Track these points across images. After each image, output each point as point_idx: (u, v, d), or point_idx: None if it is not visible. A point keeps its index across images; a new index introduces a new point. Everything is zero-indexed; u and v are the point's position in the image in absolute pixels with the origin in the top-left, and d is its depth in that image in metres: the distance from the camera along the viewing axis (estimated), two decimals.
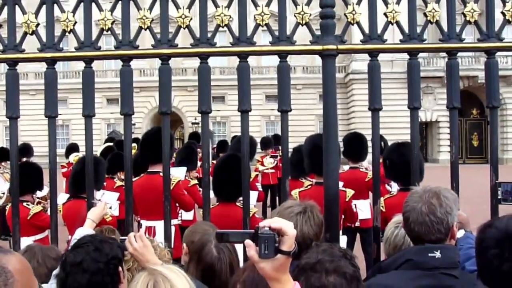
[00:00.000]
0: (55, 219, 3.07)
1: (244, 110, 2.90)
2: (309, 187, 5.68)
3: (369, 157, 7.16)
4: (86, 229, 2.63)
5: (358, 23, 2.88)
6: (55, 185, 3.05)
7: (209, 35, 2.90)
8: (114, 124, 36.78)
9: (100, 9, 2.94)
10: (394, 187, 6.11)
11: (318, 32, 2.89)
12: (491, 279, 1.63)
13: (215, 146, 13.17)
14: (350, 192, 5.21)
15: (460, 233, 2.59)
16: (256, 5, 2.87)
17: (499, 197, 2.80)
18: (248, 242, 1.39)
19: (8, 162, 10.31)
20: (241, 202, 4.90)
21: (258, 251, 1.37)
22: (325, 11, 2.82)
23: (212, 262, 2.33)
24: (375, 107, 2.93)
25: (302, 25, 2.87)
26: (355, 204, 5.81)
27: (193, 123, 35.01)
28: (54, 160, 3.05)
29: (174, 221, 5.97)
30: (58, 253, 2.65)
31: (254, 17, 2.85)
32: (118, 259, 1.94)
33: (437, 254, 2.03)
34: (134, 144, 11.85)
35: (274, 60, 2.92)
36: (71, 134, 36.44)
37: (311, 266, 1.72)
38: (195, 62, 2.98)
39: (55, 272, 2.34)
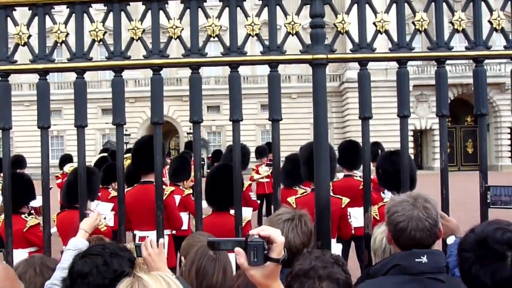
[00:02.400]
0: (48, 229, 3.07)
1: (236, 119, 2.91)
2: (304, 194, 5.70)
3: None
4: (79, 239, 2.62)
5: (347, 33, 2.92)
6: (48, 195, 3.06)
7: (200, 45, 2.93)
8: (109, 134, 36.67)
9: (92, 20, 2.95)
10: (388, 195, 6.12)
11: (308, 42, 2.92)
12: (465, 281, 1.67)
13: (209, 155, 13.17)
14: (345, 200, 5.22)
15: (450, 240, 2.62)
16: (246, 16, 2.90)
17: (488, 201, 2.82)
18: (237, 249, 1.39)
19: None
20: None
21: (248, 258, 1.38)
22: (314, 21, 2.85)
23: (204, 263, 2.32)
24: (365, 116, 2.95)
25: (293, 35, 2.90)
26: (349, 213, 5.81)
27: (188, 133, 34.97)
28: (46, 170, 3.05)
29: (167, 231, 5.96)
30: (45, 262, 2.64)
31: (245, 27, 2.87)
32: (125, 275, 1.92)
33: (424, 259, 2.06)
34: (128, 155, 11.84)
35: (268, 69, 2.94)
36: (65, 145, 36.29)
37: (305, 273, 1.73)
38: (188, 72, 3.00)
39: (48, 282, 2.35)
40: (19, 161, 10.80)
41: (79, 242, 2.59)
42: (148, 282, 1.57)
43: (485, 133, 3.10)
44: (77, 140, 3.00)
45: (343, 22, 2.90)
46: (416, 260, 2.05)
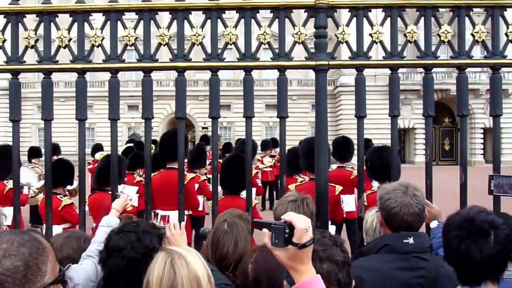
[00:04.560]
0: (83, 209, 3.07)
1: (248, 116, 2.91)
2: (303, 182, 5.72)
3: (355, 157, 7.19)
4: (111, 217, 2.63)
5: (347, 42, 2.90)
6: (84, 179, 3.06)
7: (218, 51, 2.91)
8: (134, 127, 36.75)
9: (125, 27, 2.95)
10: (376, 184, 6.14)
11: (312, 50, 2.91)
12: (452, 258, 1.67)
13: (221, 147, 13.20)
14: (338, 188, 5.25)
15: (433, 224, 2.61)
16: (259, 26, 2.89)
17: (491, 188, 2.74)
18: (264, 230, 1.37)
19: (39, 159, 10.39)
20: (244, 195, 4.97)
21: (270, 240, 1.35)
22: (318, 31, 2.84)
23: (219, 235, 2.33)
24: (360, 115, 2.95)
25: (299, 44, 2.89)
26: (342, 199, 5.83)
27: (203, 128, 35.04)
28: (83, 157, 3.05)
29: (185, 212, 5.99)
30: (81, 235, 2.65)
31: (258, 36, 2.86)
32: (155, 250, 1.92)
33: (411, 240, 2.07)
34: (152, 145, 11.87)
35: (273, 74, 2.93)
36: (96, 136, 36.38)
37: None
38: (206, 74, 3.00)
39: (84, 254, 2.36)
40: (55, 149, 10.85)
41: (111, 220, 2.60)
42: (183, 253, 1.58)
43: (466, 131, 3.09)
44: (110, 131, 2.99)
45: (343, 33, 2.88)
46: (404, 241, 2.06)
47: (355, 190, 7.02)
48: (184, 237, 2.33)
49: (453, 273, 1.68)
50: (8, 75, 3.02)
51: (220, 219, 2.49)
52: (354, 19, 2.89)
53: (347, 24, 2.91)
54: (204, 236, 2.56)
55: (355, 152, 7.09)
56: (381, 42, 2.91)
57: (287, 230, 1.33)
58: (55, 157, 9.69)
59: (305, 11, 2.88)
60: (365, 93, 2.97)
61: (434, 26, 2.90)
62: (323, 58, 2.83)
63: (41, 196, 7.41)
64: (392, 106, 2.94)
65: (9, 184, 6.72)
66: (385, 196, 2.16)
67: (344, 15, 2.97)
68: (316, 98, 2.88)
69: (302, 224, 1.34)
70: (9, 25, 2.99)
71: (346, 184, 6.20)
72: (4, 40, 2.99)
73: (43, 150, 11.00)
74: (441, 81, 33.45)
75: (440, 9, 2.99)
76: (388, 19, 2.91)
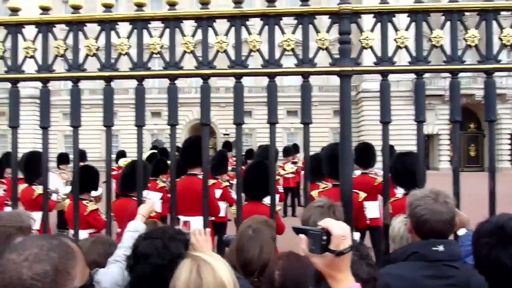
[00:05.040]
0: (109, 214, 3.12)
1: (272, 122, 2.91)
2: (326, 188, 5.68)
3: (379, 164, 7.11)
4: (137, 222, 2.65)
5: (371, 48, 2.88)
6: (110, 185, 3.10)
7: (242, 58, 2.93)
8: (157, 134, 37.20)
9: (151, 35, 3.00)
10: (400, 190, 6.06)
11: (335, 55, 2.90)
12: (483, 266, 1.63)
13: (243, 153, 13.24)
14: (362, 195, 5.20)
15: (461, 232, 2.56)
16: (283, 32, 2.89)
17: None
18: (301, 236, 1.35)
19: (67, 165, 10.59)
20: (266, 201, 4.96)
21: (308, 246, 1.33)
22: (343, 37, 2.83)
23: (244, 241, 2.33)
24: (385, 121, 2.91)
25: (323, 50, 2.89)
26: (365, 206, 5.77)
27: (224, 134, 35.23)
28: (109, 163, 3.10)
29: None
30: (107, 240, 2.68)
31: (281, 43, 2.87)
32: (181, 257, 1.94)
33: (440, 248, 2.02)
34: None
35: (294, 80, 2.93)
36: (120, 143, 36.94)
37: None
38: (227, 81, 3.03)
39: (110, 259, 2.38)
40: (82, 155, 11.06)
41: (137, 225, 2.62)
42: (209, 260, 1.58)
43: (494, 137, 3.02)
44: (137, 138, 3.03)
45: (367, 38, 2.86)
46: (432, 248, 2.01)
47: (379, 196, 6.94)
48: (209, 243, 2.33)
49: (484, 282, 1.64)
50: (35, 83, 3.10)
51: (244, 225, 2.49)
52: (379, 25, 2.87)
53: (372, 30, 2.89)
54: (228, 242, 2.57)
55: (378, 158, 7.05)
56: (406, 47, 2.88)
57: (324, 237, 1.30)
58: (81, 164, 9.92)
59: (329, 18, 2.88)
60: (390, 99, 2.94)
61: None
62: (348, 64, 2.82)
63: (67, 201, 7.56)
64: (418, 111, 2.90)
65: (38, 189, 6.89)
66: (415, 203, 2.12)
67: (366, 20, 2.95)
68: (340, 104, 2.86)
69: (340, 231, 1.31)
70: (40, 35, 3.07)
71: (370, 191, 6.13)
72: (35, 50, 3.07)
73: (71, 157, 11.23)
74: (466, 86, 32.91)
75: (466, 13, 2.94)
76: (413, 24, 2.88)
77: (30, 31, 3.10)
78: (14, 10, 3.06)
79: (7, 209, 7.31)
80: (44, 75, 3.03)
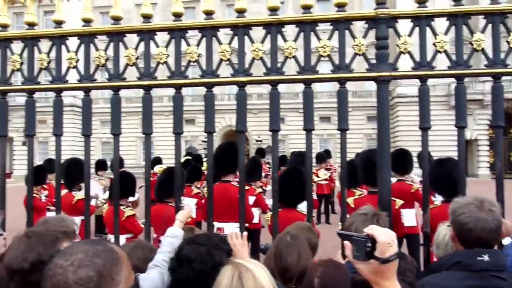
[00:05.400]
0: (148, 220, 3.18)
1: (308, 129, 2.91)
2: (362, 195, 5.61)
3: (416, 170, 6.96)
4: (176, 228, 2.68)
5: (409, 53, 2.84)
6: (149, 191, 3.16)
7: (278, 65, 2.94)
8: (190, 141, 37.65)
9: (188, 44, 3.05)
10: (438, 198, 5.92)
11: (372, 60, 2.87)
12: None
13: None
14: (399, 202, 5.10)
15: (506, 241, 2.47)
16: (319, 39, 2.89)
17: None
18: (345, 243, 1.34)
19: (105, 171, 10.87)
20: (300, 208, 4.93)
21: (352, 252, 1.32)
22: (380, 43, 2.80)
23: (282, 247, 2.32)
24: (425, 126, 2.86)
25: (360, 55, 2.86)
26: (402, 213, 5.66)
27: (257, 141, 35.32)
28: (148, 169, 3.16)
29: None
30: (147, 245, 2.73)
31: (317, 49, 2.86)
32: (223, 265, 1.95)
33: (486, 257, 1.95)
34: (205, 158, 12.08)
35: (327, 86, 2.91)
36: (154, 149, 37.67)
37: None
38: (260, 88, 3.04)
39: (150, 264, 2.43)
40: (120, 162, 11.35)
41: (176, 231, 2.65)
42: (250, 266, 1.59)
43: None
44: (175, 145, 3.08)
45: (405, 43, 2.82)
46: (477, 258, 1.94)
47: (416, 204, 6.79)
48: (246, 247, 2.33)
49: None
50: (75, 93, 3.19)
51: (284, 231, 2.50)
52: (417, 29, 2.82)
53: (409, 34, 2.85)
54: (265, 250, 2.57)
55: (415, 164, 6.90)
56: (445, 51, 2.82)
57: (368, 244, 1.29)
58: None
59: (365, 23, 2.85)
60: (429, 104, 2.88)
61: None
62: (385, 69, 2.78)
63: (106, 207, 7.75)
64: (458, 116, 2.83)
65: (77, 195, 7.10)
66: (458, 210, 2.06)
67: (402, 24, 2.90)
68: (378, 110, 2.83)
69: (385, 238, 1.29)
70: (82, 46, 3.18)
71: (407, 198, 6.01)
72: (78, 60, 3.18)
73: (109, 163, 11.48)
74: (506, 90, 31.81)
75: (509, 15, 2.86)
76: (453, 28, 2.82)
77: (73, 42, 3.22)
78: (59, 23, 3.18)
79: (49, 213, 7.57)
80: (86, 85, 3.14)
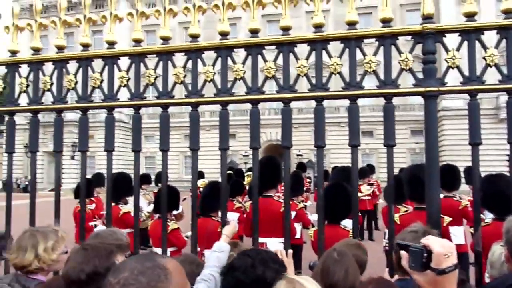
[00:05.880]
0: (194, 234, 3.23)
1: (354, 145, 2.89)
2: (407, 212, 5.49)
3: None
4: (222, 243, 2.72)
5: (458, 67, 2.79)
6: (195, 205, 3.22)
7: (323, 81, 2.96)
8: (231, 155, 38.01)
9: (234, 62, 3.10)
10: (488, 215, 5.70)
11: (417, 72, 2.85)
12: None
13: (316, 175, 13.12)
14: (447, 219, 4.95)
15: None
16: (364, 55, 2.89)
17: None
18: (402, 252, 1.33)
19: (148, 185, 11.13)
20: (344, 224, 4.87)
21: (408, 262, 1.31)
22: (427, 57, 2.76)
23: (329, 263, 2.31)
24: (475, 142, 2.78)
25: (406, 70, 2.84)
26: (450, 231, 5.48)
27: (297, 155, 35.20)
28: (195, 183, 3.23)
29: (282, 239, 6.02)
30: (194, 260, 2.78)
31: (363, 65, 2.86)
32: (266, 283, 1.95)
33: None
34: (250, 173, 12.21)
35: (369, 100, 2.88)
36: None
37: None
38: (300, 104, 3.04)
39: (198, 278, 2.47)
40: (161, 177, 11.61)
41: (222, 245, 2.69)
42: (304, 283, 1.61)
43: None
44: (220, 160, 3.14)
45: (453, 57, 2.78)
46: None
47: (464, 221, 6.55)
48: (291, 266, 2.34)
49: None
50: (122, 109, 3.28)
51: (331, 248, 2.49)
52: (465, 43, 2.78)
53: (458, 49, 2.80)
54: (313, 267, 2.56)
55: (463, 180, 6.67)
56: (496, 65, 2.75)
57: (424, 254, 1.27)
58: (159, 185, 10.44)
59: (411, 38, 2.83)
60: (480, 119, 2.81)
61: None
62: (433, 84, 2.74)
63: (149, 220, 7.94)
64: (511, 131, 2.74)
65: (123, 208, 7.32)
66: None
67: (449, 38, 2.86)
68: (425, 125, 2.78)
69: (441, 249, 1.27)
70: (133, 65, 3.33)
71: (455, 215, 5.82)
72: (128, 79, 3.32)
73: (152, 177, 11.72)
74: None
75: None
76: (504, 41, 2.75)
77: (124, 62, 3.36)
78: (111, 44, 3.34)
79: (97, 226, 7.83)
80: (137, 102, 3.25)
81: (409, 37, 2.89)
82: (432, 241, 1.29)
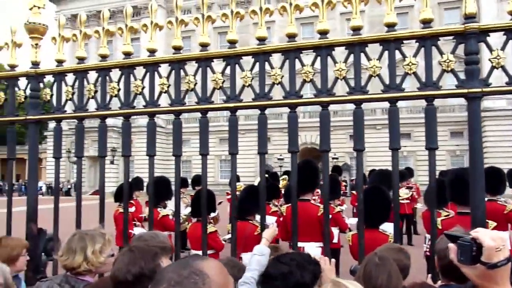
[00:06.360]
0: (234, 236, 3.27)
1: (395, 148, 2.86)
2: (449, 216, 5.36)
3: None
4: (263, 246, 2.75)
5: (503, 67, 2.71)
6: (235, 209, 3.26)
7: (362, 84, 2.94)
8: (267, 158, 38.08)
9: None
10: None
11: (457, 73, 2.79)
12: None
13: (353, 178, 12.98)
14: (492, 224, 4.79)
15: None
16: (404, 56, 2.86)
17: None
18: (450, 245, 1.30)
19: (185, 188, 11.32)
20: (382, 228, 4.80)
21: (456, 256, 1.28)
22: (470, 58, 2.70)
23: (371, 267, 2.30)
24: None
25: (448, 72, 2.79)
26: None
27: (333, 158, 34.86)
28: (234, 187, 3.27)
29: (320, 244, 5.99)
30: (236, 264, 2.82)
31: (403, 67, 2.83)
32: (306, 286, 1.94)
33: None
34: (285, 176, 12.18)
35: (406, 102, 2.81)
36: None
37: None
38: (334, 106, 3.02)
39: (240, 280, 2.50)
40: (199, 179, 11.78)
41: (263, 249, 2.71)
42: (350, 286, 1.62)
43: None
44: (260, 164, 3.18)
45: (498, 57, 2.70)
46: None
47: (509, 226, 6.32)
48: (334, 273, 2.35)
49: None
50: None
51: (372, 252, 2.47)
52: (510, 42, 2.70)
53: (502, 48, 2.73)
54: (354, 272, 2.55)
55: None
56: None
57: (474, 248, 1.23)
58: (196, 188, 10.58)
59: (453, 38, 2.78)
60: None
61: None
62: (476, 86, 2.68)
63: (187, 222, 8.07)
64: None
65: (162, 211, 7.49)
66: None
67: (492, 38, 2.78)
68: (469, 126, 2.72)
69: (491, 242, 1.22)
70: (173, 72, 3.41)
71: (500, 220, 5.62)
72: (169, 86, 3.40)
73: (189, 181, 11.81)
74: None
75: None
76: None
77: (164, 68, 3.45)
78: (152, 51, 3.43)
79: (136, 228, 8.02)
80: (205, 106, 3.29)
81: (449, 37, 2.84)
82: (482, 234, 1.25)
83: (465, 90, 2.70)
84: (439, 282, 2.56)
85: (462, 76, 2.78)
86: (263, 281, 2.10)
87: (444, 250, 2.25)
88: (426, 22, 2.81)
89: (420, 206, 12.90)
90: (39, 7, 3.79)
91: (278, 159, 37.19)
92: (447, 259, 2.17)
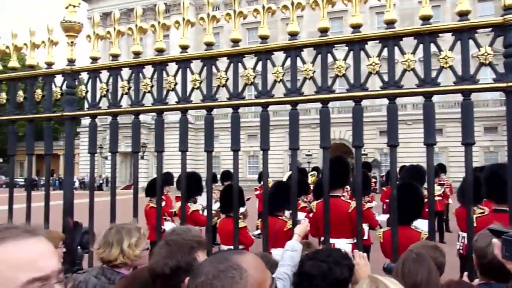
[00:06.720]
0: (266, 232, 3.28)
1: (430, 144, 2.80)
2: (484, 214, 5.22)
3: None
4: (295, 242, 2.76)
5: None
6: (267, 205, 3.27)
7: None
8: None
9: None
10: None
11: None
12: None
13: (383, 174, 12.81)
14: None
15: None
16: (439, 50, 2.80)
17: None
18: (494, 241, 1.28)
19: (214, 184, 11.43)
20: (415, 226, 4.72)
21: (501, 251, 1.26)
22: (510, 50, 2.62)
23: (409, 264, 2.27)
24: None
25: (485, 65, 2.71)
26: None
27: (362, 154, 34.43)
28: (266, 182, 3.28)
29: (350, 240, 5.95)
30: (269, 260, 2.83)
31: (438, 61, 2.77)
32: (345, 282, 1.94)
33: None
34: (314, 172, 12.12)
35: (439, 96, 2.74)
36: (259, 163, 38.60)
37: None
38: (364, 103, 2.99)
39: (274, 275, 2.51)
40: (228, 174, 11.86)
41: (295, 245, 2.72)
42: (388, 283, 1.61)
43: None
44: (291, 160, 3.17)
45: None
46: None
47: None
48: (368, 267, 2.33)
49: None
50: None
51: (407, 250, 2.45)
52: None
53: None
54: (387, 269, 2.53)
55: None
56: None
57: None
58: (225, 183, 10.66)
59: (491, 30, 2.70)
60: None
61: None
62: None
63: (216, 218, 8.14)
64: None
65: (192, 206, 7.58)
66: None
67: None
68: (507, 122, 2.64)
69: None
70: (205, 68, 3.44)
71: None
72: (201, 82, 3.43)
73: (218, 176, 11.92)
74: None
75: None
76: None
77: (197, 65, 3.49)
78: (184, 48, 3.47)
79: (166, 223, 8.16)
80: (236, 102, 3.30)
81: (486, 30, 2.76)
82: None
83: (504, 84, 2.62)
84: (477, 281, 2.50)
85: (499, 70, 2.70)
86: (300, 280, 2.10)
87: (484, 249, 2.21)
88: (463, 14, 2.73)
89: (453, 203, 12.62)
90: (74, 6, 3.89)
91: (306, 155, 37.04)
92: (487, 258, 2.13)
